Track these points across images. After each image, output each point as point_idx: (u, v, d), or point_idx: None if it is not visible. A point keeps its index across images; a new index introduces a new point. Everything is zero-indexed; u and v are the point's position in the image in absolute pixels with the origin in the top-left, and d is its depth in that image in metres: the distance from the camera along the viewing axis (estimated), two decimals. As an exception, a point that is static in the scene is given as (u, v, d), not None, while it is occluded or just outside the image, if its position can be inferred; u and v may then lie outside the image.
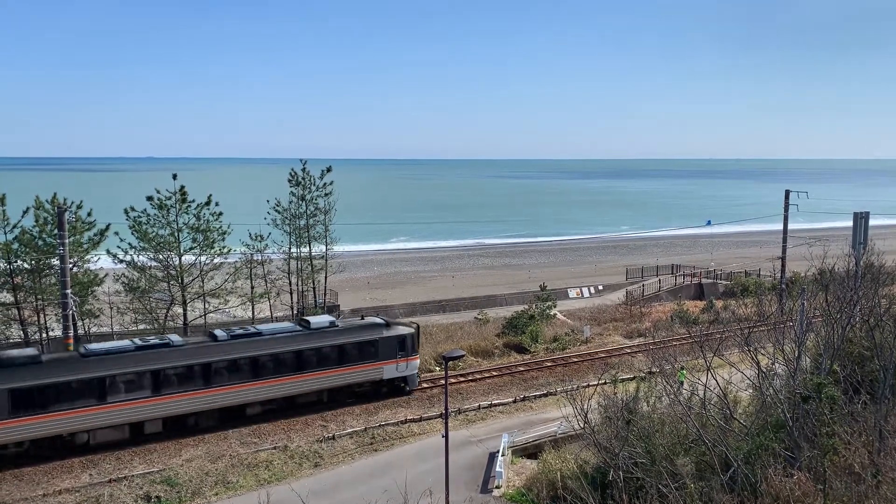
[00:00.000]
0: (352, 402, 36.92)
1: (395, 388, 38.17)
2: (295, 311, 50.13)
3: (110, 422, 31.20)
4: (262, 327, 36.23)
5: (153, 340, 33.26)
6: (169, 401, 32.20)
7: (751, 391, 23.58)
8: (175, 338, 33.93)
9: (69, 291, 35.68)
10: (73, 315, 36.53)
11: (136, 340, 33.12)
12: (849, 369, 21.95)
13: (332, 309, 51.08)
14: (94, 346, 32.73)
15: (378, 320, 38.91)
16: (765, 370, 22.31)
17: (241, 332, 35.26)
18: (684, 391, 23.74)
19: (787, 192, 60.11)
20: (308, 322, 37.03)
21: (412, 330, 38.70)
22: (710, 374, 21.88)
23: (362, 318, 39.64)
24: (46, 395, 29.70)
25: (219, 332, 34.93)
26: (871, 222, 52.38)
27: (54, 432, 30.21)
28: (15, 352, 31.43)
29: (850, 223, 51.45)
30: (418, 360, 39.15)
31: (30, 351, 31.60)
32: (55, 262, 38.45)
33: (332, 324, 37.19)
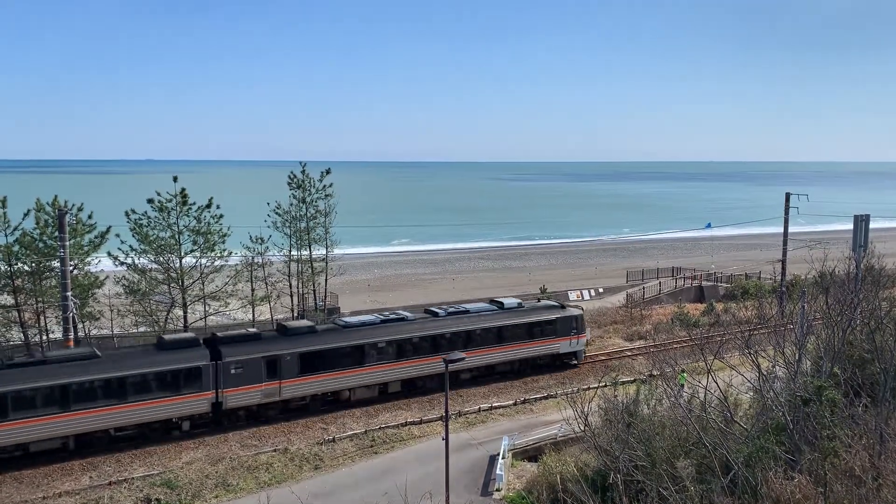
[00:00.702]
0: (538, 373, 42.49)
1: (564, 363, 43.63)
2: (295, 314, 50.11)
3: (366, 382, 36.83)
4: (469, 306, 42.32)
5: (392, 315, 39.44)
6: (406, 366, 37.73)
7: (751, 394, 23.57)
8: (408, 314, 40.14)
9: (69, 294, 35.69)
10: (73, 317, 36.55)
11: (379, 315, 39.45)
12: (849, 372, 21.93)
13: (332, 311, 51.06)
14: (350, 318, 39.92)
15: (554, 303, 45.77)
16: (765, 373, 22.30)
17: (454, 309, 41.26)
18: (685, 394, 23.74)
19: (788, 195, 60.13)
20: (501, 303, 43.24)
21: (581, 312, 44.74)
22: (710, 376, 21.87)
23: (539, 301, 48.07)
24: (323, 358, 35.44)
25: (437, 310, 41.16)
26: (872, 225, 52.38)
27: (327, 390, 36.00)
28: (296, 323, 38.00)
29: (850, 226, 51.48)
30: (585, 338, 44.85)
31: (307, 322, 37.84)
32: (56, 264, 38.45)
33: (519, 304, 43.64)
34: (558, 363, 43.43)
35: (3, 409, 28.82)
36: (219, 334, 35.60)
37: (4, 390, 28.82)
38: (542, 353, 42.44)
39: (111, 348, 38.74)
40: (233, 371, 33.26)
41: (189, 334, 36.00)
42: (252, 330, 37.20)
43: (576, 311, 44.26)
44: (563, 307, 44.55)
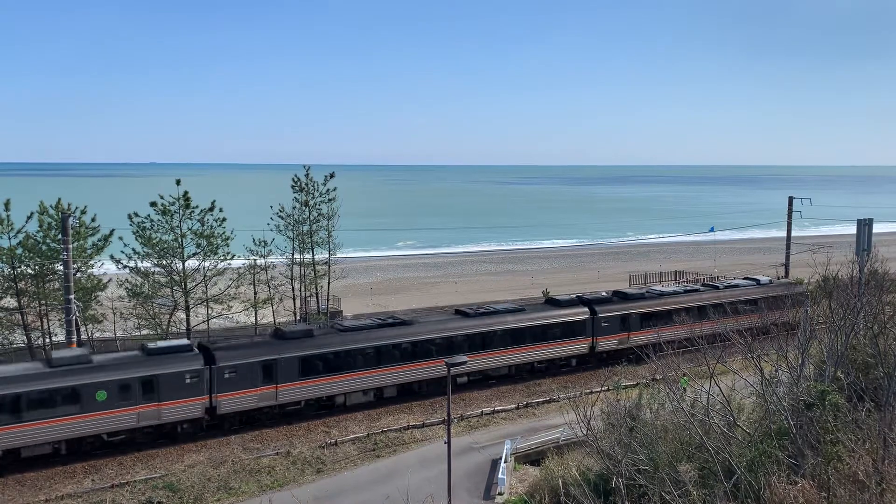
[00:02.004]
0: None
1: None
2: (297, 318, 50.11)
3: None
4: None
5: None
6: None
7: (754, 398, 23.51)
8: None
9: (72, 297, 35.75)
10: (76, 320, 36.60)
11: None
12: (853, 376, 21.88)
13: (335, 315, 51.07)
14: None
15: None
16: (768, 377, 22.24)
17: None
18: (687, 398, 23.68)
19: (791, 199, 60.13)
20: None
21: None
22: (713, 380, 21.82)
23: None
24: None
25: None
26: (875, 229, 52.32)
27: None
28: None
29: (853, 230, 51.41)
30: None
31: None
32: (59, 267, 38.52)
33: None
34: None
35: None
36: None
37: None
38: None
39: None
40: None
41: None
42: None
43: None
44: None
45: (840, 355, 22.51)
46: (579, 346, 43.47)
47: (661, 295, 47.42)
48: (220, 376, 32.78)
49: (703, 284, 52.75)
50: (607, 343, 44.23)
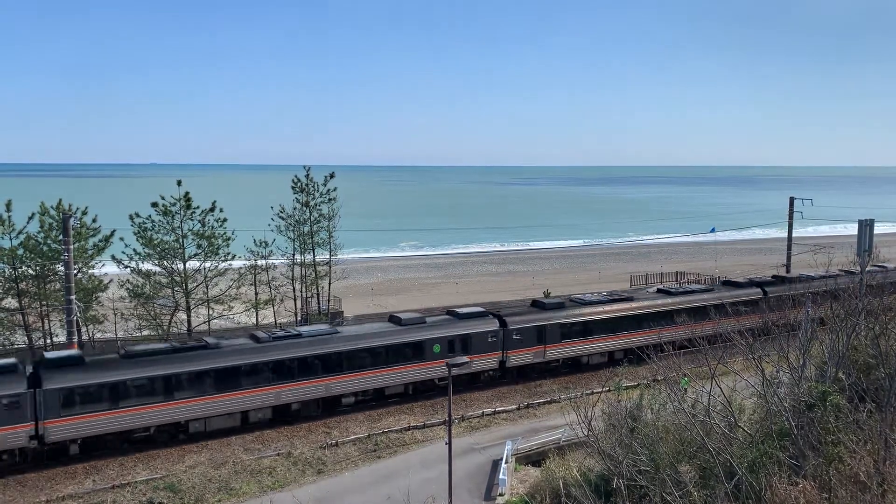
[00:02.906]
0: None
1: None
2: (299, 318, 50.13)
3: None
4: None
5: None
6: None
7: (755, 399, 23.49)
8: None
9: (73, 297, 35.78)
10: (76, 321, 36.63)
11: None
12: (854, 377, 21.84)
13: (335, 315, 51.11)
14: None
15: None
16: (769, 378, 22.22)
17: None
18: (688, 399, 23.66)
19: (792, 200, 60.14)
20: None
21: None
22: (714, 381, 21.81)
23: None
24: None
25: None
26: (876, 230, 52.26)
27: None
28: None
29: (854, 230, 51.37)
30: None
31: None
32: (60, 267, 38.56)
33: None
34: None
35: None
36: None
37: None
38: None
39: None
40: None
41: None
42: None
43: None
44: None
45: (841, 356, 22.48)
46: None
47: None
48: (509, 337, 40.12)
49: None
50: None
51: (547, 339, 41.72)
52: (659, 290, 50.04)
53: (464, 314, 40.54)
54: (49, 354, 32.13)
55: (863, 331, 24.61)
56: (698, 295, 48.28)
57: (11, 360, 31.33)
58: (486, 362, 39.91)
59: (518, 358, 41.08)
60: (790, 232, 61.03)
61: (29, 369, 30.38)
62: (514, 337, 40.65)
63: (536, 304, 44.42)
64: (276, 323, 48.43)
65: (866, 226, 48.19)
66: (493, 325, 40.33)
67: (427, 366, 37.93)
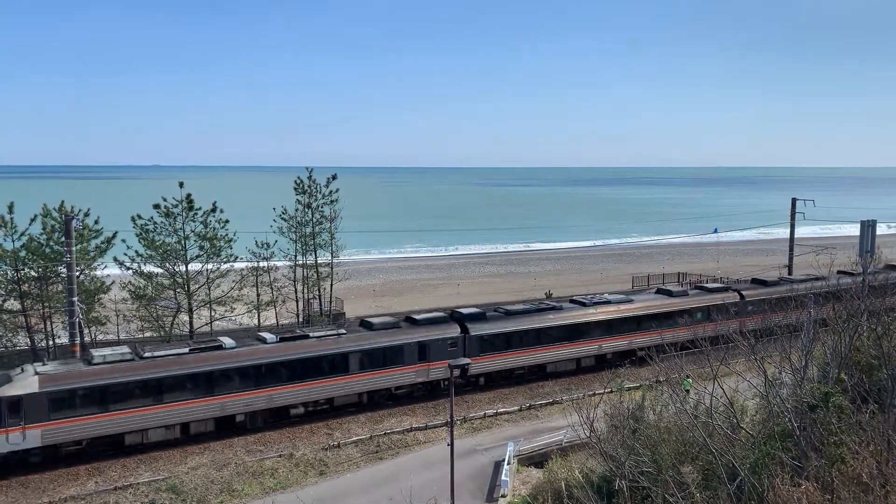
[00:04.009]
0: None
1: None
2: (300, 319, 50.14)
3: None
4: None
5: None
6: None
7: (757, 400, 23.46)
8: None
9: (76, 299, 35.83)
10: (79, 322, 36.66)
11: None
12: (856, 378, 21.81)
13: (337, 316, 51.12)
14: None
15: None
16: (771, 379, 22.20)
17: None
18: (690, 400, 23.64)
19: (794, 200, 60.11)
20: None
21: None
22: (716, 382, 21.79)
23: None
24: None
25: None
26: (878, 230, 52.21)
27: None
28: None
29: (857, 231, 51.31)
30: None
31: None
32: (62, 269, 38.60)
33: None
34: None
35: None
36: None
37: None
38: None
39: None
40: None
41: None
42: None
43: None
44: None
45: (844, 357, 22.45)
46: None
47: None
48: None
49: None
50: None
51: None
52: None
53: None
54: (464, 310, 41.60)
55: (865, 332, 24.58)
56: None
57: (442, 313, 41.47)
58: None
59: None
60: (792, 233, 60.96)
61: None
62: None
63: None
64: (277, 324, 48.45)
65: (868, 227, 48.13)
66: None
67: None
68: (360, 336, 37.19)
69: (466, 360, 27.31)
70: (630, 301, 46.29)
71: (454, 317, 40.87)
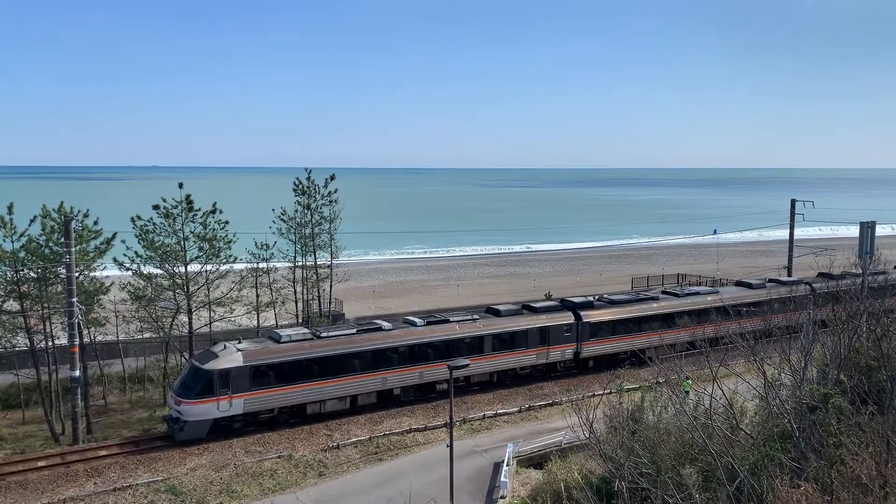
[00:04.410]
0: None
1: None
2: (300, 320, 50.06)
3: None
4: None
5: None
6: None
7: (757, 401, 23.47)
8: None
9: (75, 300, 35.78)
10: (78, 323, 36.62)
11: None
12: (856, 379, 21.81)
13: (337, 318, 51.02)
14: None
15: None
16: (771, 380, 22.20)
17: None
18: (690, 401, 23.64)
19: (793, 202, 60.09)
20: None
21: None
22: (715, 383, 21.79)
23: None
24: None
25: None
26: (878, 231, 52.18)
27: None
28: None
29: (856, 232, 51.27)
30: None
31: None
32: (61, 270, 38.55)
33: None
34: None
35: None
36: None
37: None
38: None
39: None
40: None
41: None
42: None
43: None
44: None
45: (843, 358, 22.46)
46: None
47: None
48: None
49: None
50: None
51: None
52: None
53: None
54: (574, 299, 45.28)
55: (864, 333, 24.59)
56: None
57: (554, 302, 45.68)
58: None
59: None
60: (791, 234, 60.94)
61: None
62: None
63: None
64: (276, 325, 48.39)
65: (868, 228, 48.13)
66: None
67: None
68: (491, 322, 40.95)
69: (466, 362, 27.23)
70: (716, 292, 49.98)
71: (566, 305, 44.71)
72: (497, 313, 42.07)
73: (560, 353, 42.78)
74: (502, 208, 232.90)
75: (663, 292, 50.20)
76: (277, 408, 34.69)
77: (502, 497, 27.75)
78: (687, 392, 26.22)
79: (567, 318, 43.19)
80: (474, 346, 39.58)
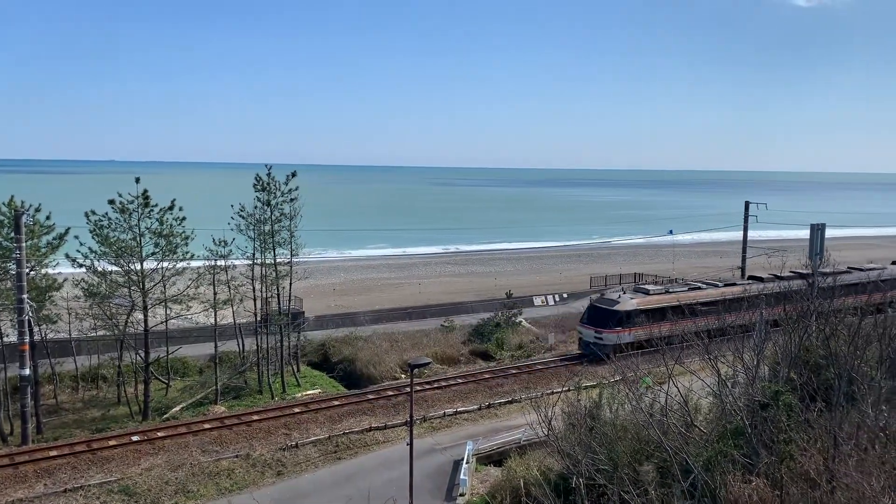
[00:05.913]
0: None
1: None
2: (258, 318, 49.52)
3: None
4: None
5: None
6: None
7: (711, 399, 23.94)
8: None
9: (26, 296, 34.90)
10: (29, 320, 35.72)
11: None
12: (805, 377, 22.40)
13: (296, 316, 50.56)
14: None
15: None
16: (724, 378, 22.67)
17: None
18: (646, 398, 24.01)
19: (747, 204, 61.38)
20: None
21: None
22: (671, 381, 22.18)
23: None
24: None
25: None
26: (827, 233, 53.68)
27: None
28: None
29: (807, 234, 52.65)
30: None
31: None
32: (11, 266, 37.54)
33: None
34: None
35: None
36: None
37: None
38: None
39: None
40: None
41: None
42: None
43: None
44: None
45: (793, 357, 23.04)
46: None
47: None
48: None
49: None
50: None
51: None
52: None
53: None
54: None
55: (814, 332, 25.26)
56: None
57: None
58: None
59: None
60: (745, 235, 62.28)
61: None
62: None
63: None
64: (234, 323, 47.77)
65: (818, 230, 49.44)
66: None
67: None
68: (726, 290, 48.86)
69: (427, 360, 27.26)
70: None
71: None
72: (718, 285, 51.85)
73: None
74: (465, 207, 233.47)
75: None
76: (646, 340, 43.75)
77: (462, 495, 27.87)
78: (649, 386, 26.57)
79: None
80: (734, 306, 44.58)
